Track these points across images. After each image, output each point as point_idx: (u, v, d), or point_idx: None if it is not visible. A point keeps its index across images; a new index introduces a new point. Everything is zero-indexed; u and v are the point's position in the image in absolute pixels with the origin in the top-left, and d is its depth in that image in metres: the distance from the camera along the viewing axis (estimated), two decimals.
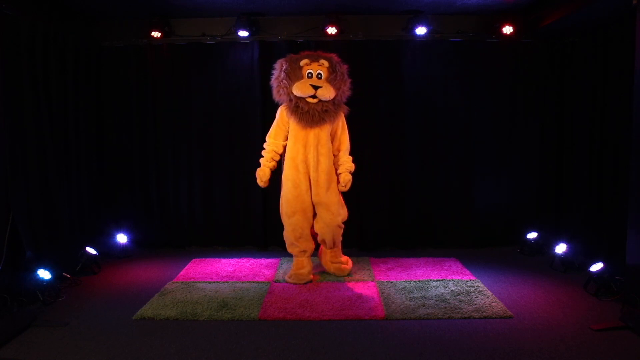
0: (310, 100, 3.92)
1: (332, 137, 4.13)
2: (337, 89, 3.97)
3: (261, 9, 4.83)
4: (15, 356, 2.83)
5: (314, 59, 3.99)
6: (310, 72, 3.96)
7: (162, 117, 5.20)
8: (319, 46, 4.85)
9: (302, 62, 3.97)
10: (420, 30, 4.87)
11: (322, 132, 4.02)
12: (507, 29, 4.85)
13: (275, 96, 4.11)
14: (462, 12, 4.92)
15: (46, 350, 2.89)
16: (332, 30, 4.84)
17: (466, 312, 3.41)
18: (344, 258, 4.35)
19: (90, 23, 5.02)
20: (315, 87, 3.88)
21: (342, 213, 4.18)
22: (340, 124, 4.15)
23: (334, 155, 4.14)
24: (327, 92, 3.90)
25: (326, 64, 3.97)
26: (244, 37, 4.96)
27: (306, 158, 4.04)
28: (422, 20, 4.82)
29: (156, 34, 4.93)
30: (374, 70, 5.03)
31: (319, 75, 3.96)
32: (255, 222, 5.24)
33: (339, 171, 4.13)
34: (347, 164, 4.14)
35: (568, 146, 5.04)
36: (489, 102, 5.15)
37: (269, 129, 5.10)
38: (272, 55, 5.05)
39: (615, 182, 4.25)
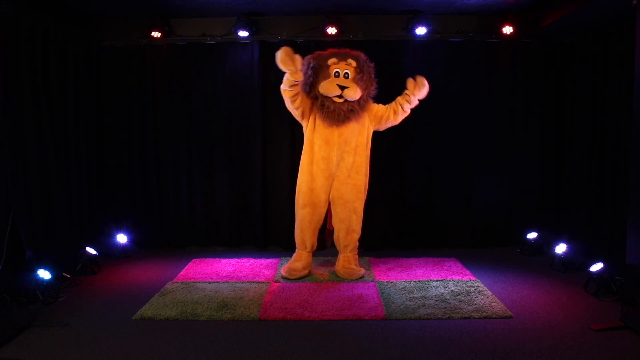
0: (337, 99, 3.94)
1: (378, 122, 4.22)
2: (364, 89, 4.00)
3: (261, 9, 4.83)
4: (15, 356, 2.83)
5: (342, 58, 3.99)
6: (337, 72, 3.97)
7: (162, 117, 5.20)
8: (319, 46, 4.84)
9: (330, 61, 3.98)
10: (420, 30, 4.87)
11: (347, 130, 4.07)
12: (507, 29, 4.85)
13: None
14: (462, 12, 4.92)
15: (46, 350, 2.89)
16: (332, 30, 4.85)
17: (466, 312, 3.41)
18: (358, 267, 4.30)
19: (90, 23, 5.02)
20: (342, 87, 3.89)
21: (359, 212, 4.21)
22: (374, 111, 4.21)
23: (395, 113, 4.21)
24: (353, 93, 3.92)
25: (354, 63, 3.98)
26: (244, 37, 4.96)
27: (329, 155, 4.08)
28: (422, 20, 4.82)
29: (156, 34, 4.93)
30: (374, 70, 5.02)
31: (346, 75, 3.97)
32: (255, 222, 5.23)
33: (404, 99, 4.19)
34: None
35: (568, 146, 5.04)
36: (489, 102, 5.15)
37: (269, 129, 5.14)
38: (272, 55, 5.02)
39: (615, 182, 4.25)
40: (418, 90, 4.13)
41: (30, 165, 4.01)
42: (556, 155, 5.20)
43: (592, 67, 4.58)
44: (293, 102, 4.04)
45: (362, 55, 4.11)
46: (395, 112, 4.20)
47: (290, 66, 3.73)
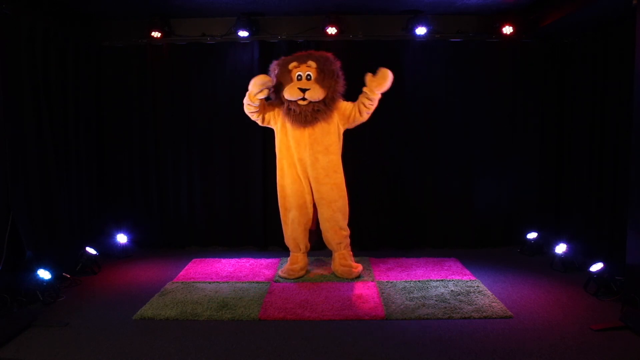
0: (301, 102, 3.95)
1: (347, 121, 4.12)
2: (327, 88, 3.96)
3: (261, 9, 4.83)
4: (15, 356, 2.83)
5: (302, 61, 3.98)
6: (299, 75, 3.97)
7: (162, 117, 5.20)
8: (319, 46, 4.84)
9: (291, 65, 3.99)
10: (420, 30, 4.87)
11: (317, 131, 4.06)
12: (507, 29, 4.85)
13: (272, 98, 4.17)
14: (462, 12, 4.92)
15: (46, 350, 2.89)
16: (332, 30, 4.85)
17: (466, 312, 3.41)
18: (355, 264, 4.33)
19: (90, 23, 5.02)
20: (304, 90, 3.89)
21: (343, 209, 4.19)
22: (342, 109, 4.09)
23: (360, 112, 4.07)
24: (315, 94, 3.90)
25: (314, 64, 3.96)
26: (244, 37, 4.96)
27: (302, 157, 4.10)
28: (422, 20, 4.82)
29: (156, 34, 4.93)
30: (374, 70, 5.01)
31: (308, 77, 3.97)
32: (255, 222, 5.24)
33: (364, 97, 3.99)
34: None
35: (568, 146, 5.04)
36: (489, 102, 5.15)
37: (268, 129, 5.10)
38: (272, 55, 5.04)
39: (615, 182, 4.25)
40: (376, 85, 3.93)
41: (30, 165, 4.01)
42: (556, 155, 5.20)
43: (592, 67, 4.58)
44: (257, 117, 4.17)
45: (325, 54, 4.04)
46: (360, 112, 4.09)
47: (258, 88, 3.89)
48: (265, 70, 5.03)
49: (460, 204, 5.22)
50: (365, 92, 3.99)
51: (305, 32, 5.02)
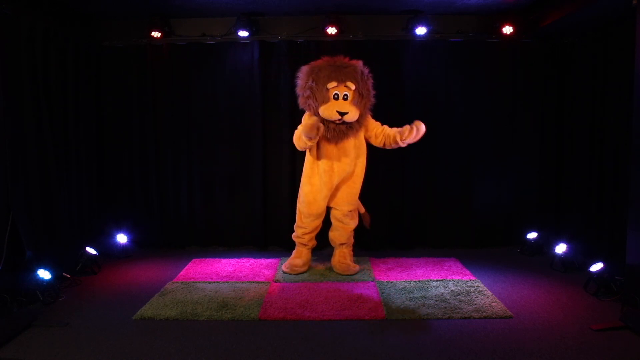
0: (337, 121, 4.03)
1: (367, 136, 4.26)
2: (362, 108, 4.06)
3: (261, 9, 4.83)
4: (15, 356, 2.83)
5: (341, 81, 3.98)
6: (336, 94, 4.00)
7: (162, 117, 5.20)
8: (319, 46, 4.85)
9: (329, 85, 3.98)
10: (420, 30, 4.87)
11: (347, 144, 4.17)
12: (507, 29, 4.85)
13: (301, 106, 4.19)
14: (462, 12, 4.92)
15: (46, 350, 2.89)
16: (332, 30, 4.84)
17: (466, 312, 3.41)
18: (353, 264, 4.43)
19: (90, 23, 5.02)
20: (342, 113, 3.95)
21: (352, 215, 4.41)
22: (369, 127, 4.24)
23: (375, 138, 4.23)
24: (353, 116, 4.01)
25: (353, 86, 3.99)
26: (244, 37, 4.96)
27: (331, 168, 4.20)
28: (422, 20, 4.82)
29: (156, 34, 4.93)
30: (374, 70, 5.00)
31: (345, 97, 4.00)
32: (255, 222, 5.23)
33: (392, 133, 4.09)
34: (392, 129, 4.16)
35: (568, 146, 5.04)
36: (489, 102, 5.15)
37: (269, 129, 5.14)
38: (272, 55, 5.07)
39: (616, 182, 4.25)
40: (410, 138, 4.02)
41: (30, 165, 4.01)
42: (556, 155, 5.20)
43: (592, 67, 4.59)
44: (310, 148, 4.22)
45: (360, 67, 4.07)
46: (381, 143, 4.23)
47: (315, 133, 3.86)
48: (265, 70, 5.07)
49: (460, 204, 5.22)
50: (397, 138, 4.06)
51: (305, 32, 5.02)
